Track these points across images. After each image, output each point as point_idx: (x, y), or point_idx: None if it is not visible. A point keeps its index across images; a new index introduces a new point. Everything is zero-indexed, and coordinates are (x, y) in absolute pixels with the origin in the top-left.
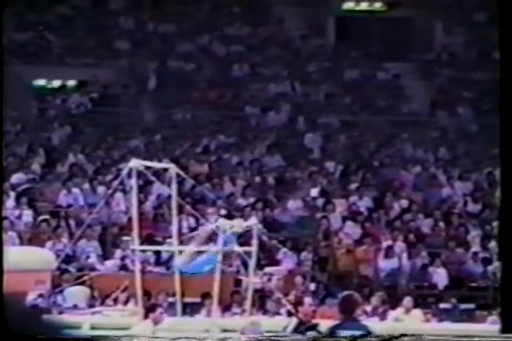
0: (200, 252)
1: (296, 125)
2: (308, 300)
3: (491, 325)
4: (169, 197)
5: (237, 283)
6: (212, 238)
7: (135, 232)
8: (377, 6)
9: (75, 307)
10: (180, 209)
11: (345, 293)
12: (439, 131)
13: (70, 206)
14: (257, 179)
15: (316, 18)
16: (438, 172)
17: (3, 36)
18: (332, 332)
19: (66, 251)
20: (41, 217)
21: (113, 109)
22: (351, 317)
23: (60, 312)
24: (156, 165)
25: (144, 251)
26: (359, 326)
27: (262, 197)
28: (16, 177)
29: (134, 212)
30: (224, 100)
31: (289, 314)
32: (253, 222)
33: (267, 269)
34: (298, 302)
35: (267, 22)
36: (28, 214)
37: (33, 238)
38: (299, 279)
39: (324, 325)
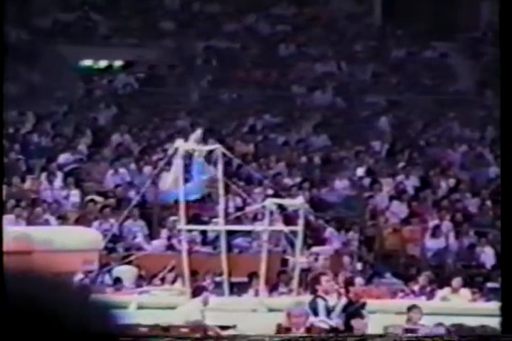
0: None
1: (342, 104)
2: (359, 280)
3: None
4: (216, 177)
5: (284, 262)
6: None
7: (181, 212)
8: None
9: (123, 286)
10: (227, 189)
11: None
12: (485, 109)
13: (116, 186)
14: (303, 159)
15: None
16: (485, 151)
17: (49, 17)
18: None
19: (113, 231)
20: (88, 197)
21: (159, 90)
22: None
23: (108, 292)
24: (201, 147)
25: (190, 230)
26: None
27: (309, 177)
28: (63, 158)
29: (181, 191)
30: (270, 80)
31: (338, 294)
32: (300, 201)
33: (314, 249)
34: (348, 282)
35: (313, 1)
36: (75, 195)
37: (80, 218)
38: (346, 259)
39: (371, 304)
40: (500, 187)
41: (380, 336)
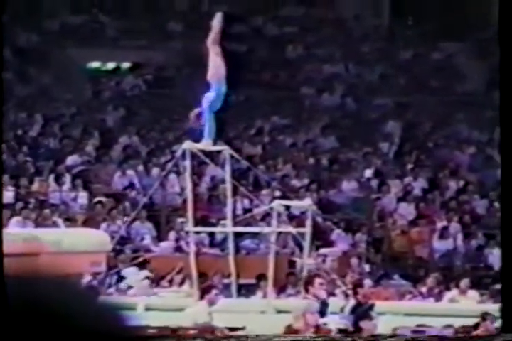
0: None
1: (350, 106)
2: (367, 281)
3: None
4: (223, 178)
5: (292, 264)
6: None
7: (189, 214)
8: None
9: (130, 288)
10: (235, 191)
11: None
12: (494, 111)
13: (124, 188)
14: (311, 160)
15: None
16: (493, 152)
17: (58, 20)
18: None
19: (121, 233)
20: (96, 199)
21: (167, 91)
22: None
23: (116, 294)
24: (209, 147)
25: (198, 232)
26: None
27: (316, 179)
28: (71, 160)
29: (189, 193)
30: (278, 81)
31: (346, 295)
32: (307, 203)
33: (322, 250)
34: (356, 284)
35: (320, 3)
36: (83, 196)
37: (88, 220)
38: (353, 260)
39: (380, 305)
40: (501, 190)
41: (390, 337)
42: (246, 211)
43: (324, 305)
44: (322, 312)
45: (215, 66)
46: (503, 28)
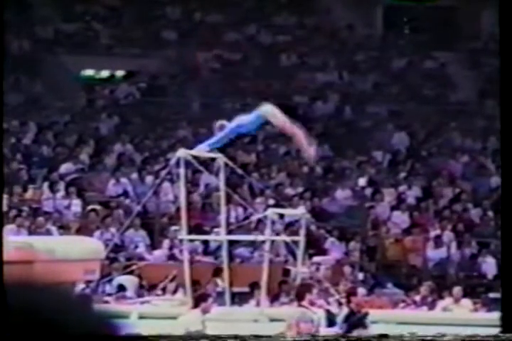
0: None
1: (344, 114)
2: (360, 290)
3: None
4: (217, 186)
5: (286, 272)
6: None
7: (183, 222)
8: None
9: (124, 296)
10: (229, 199)
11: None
12: (487, 120)
13: (118, 196)
14: (305, 169)
15: (363, 7)
16: (487, 161)
17: (51, 27)
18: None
19: (114, 241)
20: (90, 207)
21: (161, 99)
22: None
23: (109, 302)
24: (203, 154)
25: (192, 240)
26: None
27: (310, 187)
28: (64, 168)
29: (182, 201)
30: (271, 90)
31: (339, 304)
32: (301, 211)
33: (315, 259)
34: (350, 293)
35: (314, 12)
36: (76, 204)
37: (81, 228)
38: (347, 269)
39: (373, 314)
40: (501, 197)
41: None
42: (240, 219)
43: (331, 314)
44: (331, 322)
45: None
46: (503, 37)
